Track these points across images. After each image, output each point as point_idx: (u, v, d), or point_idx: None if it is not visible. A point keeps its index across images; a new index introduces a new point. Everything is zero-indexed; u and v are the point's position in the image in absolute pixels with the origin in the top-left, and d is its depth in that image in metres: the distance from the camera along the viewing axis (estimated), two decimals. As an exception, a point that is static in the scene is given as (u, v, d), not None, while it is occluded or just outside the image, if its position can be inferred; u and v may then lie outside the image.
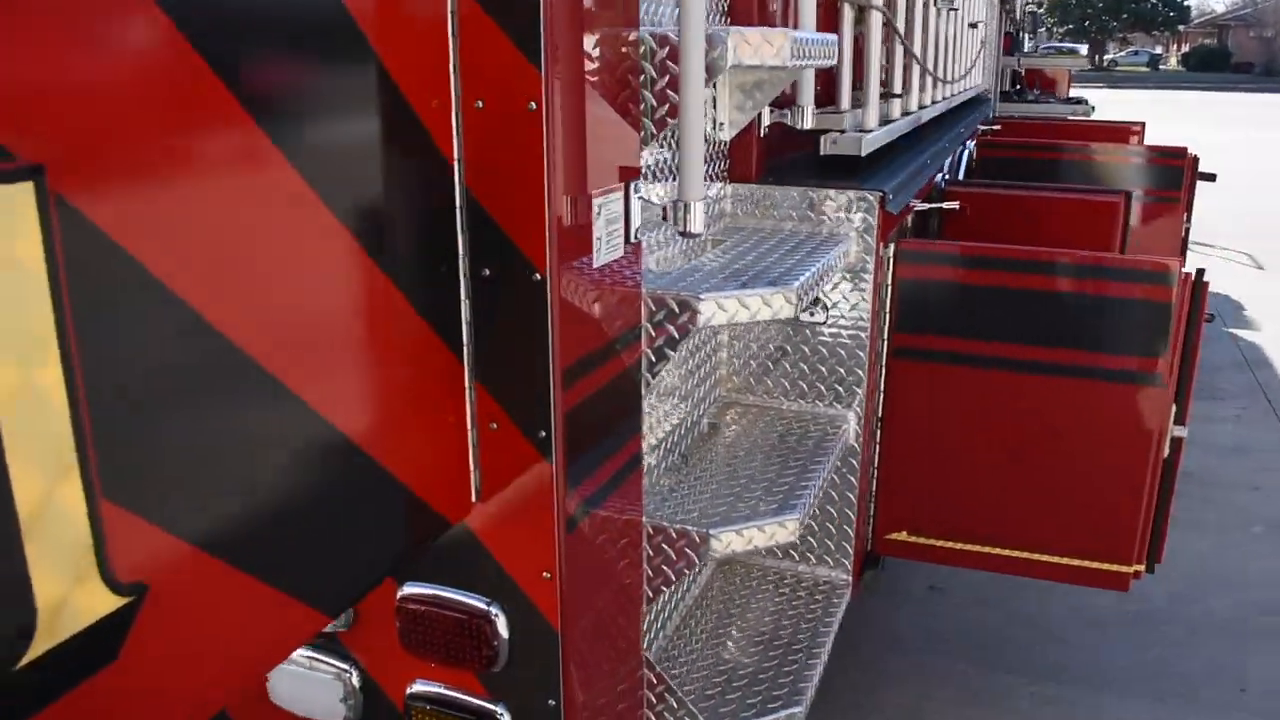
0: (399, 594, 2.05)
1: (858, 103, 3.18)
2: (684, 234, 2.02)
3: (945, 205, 3.99)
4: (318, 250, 1.43)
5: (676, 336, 2.14)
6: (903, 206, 2.88)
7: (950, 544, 3.03)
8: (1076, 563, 2.93)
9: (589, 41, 1.75)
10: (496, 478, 1.89)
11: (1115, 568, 2.89)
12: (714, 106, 2.65)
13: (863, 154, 2.78)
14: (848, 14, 2.94)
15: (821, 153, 2.83)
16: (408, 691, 2.10)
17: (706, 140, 2.65)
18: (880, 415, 2.99)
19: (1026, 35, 11.53)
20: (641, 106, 2.02)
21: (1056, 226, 3.96)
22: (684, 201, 1.98)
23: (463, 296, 1.79)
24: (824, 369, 2.86)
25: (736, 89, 2.65)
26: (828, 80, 3.04)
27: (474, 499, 1.89)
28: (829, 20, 2.95)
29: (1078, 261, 2.76)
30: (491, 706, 2.03)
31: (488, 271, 1.78)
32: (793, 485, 2.44)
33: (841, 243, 2.65)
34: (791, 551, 3.03)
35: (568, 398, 1.83)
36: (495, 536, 1.96)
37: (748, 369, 2.95)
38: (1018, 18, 9.80)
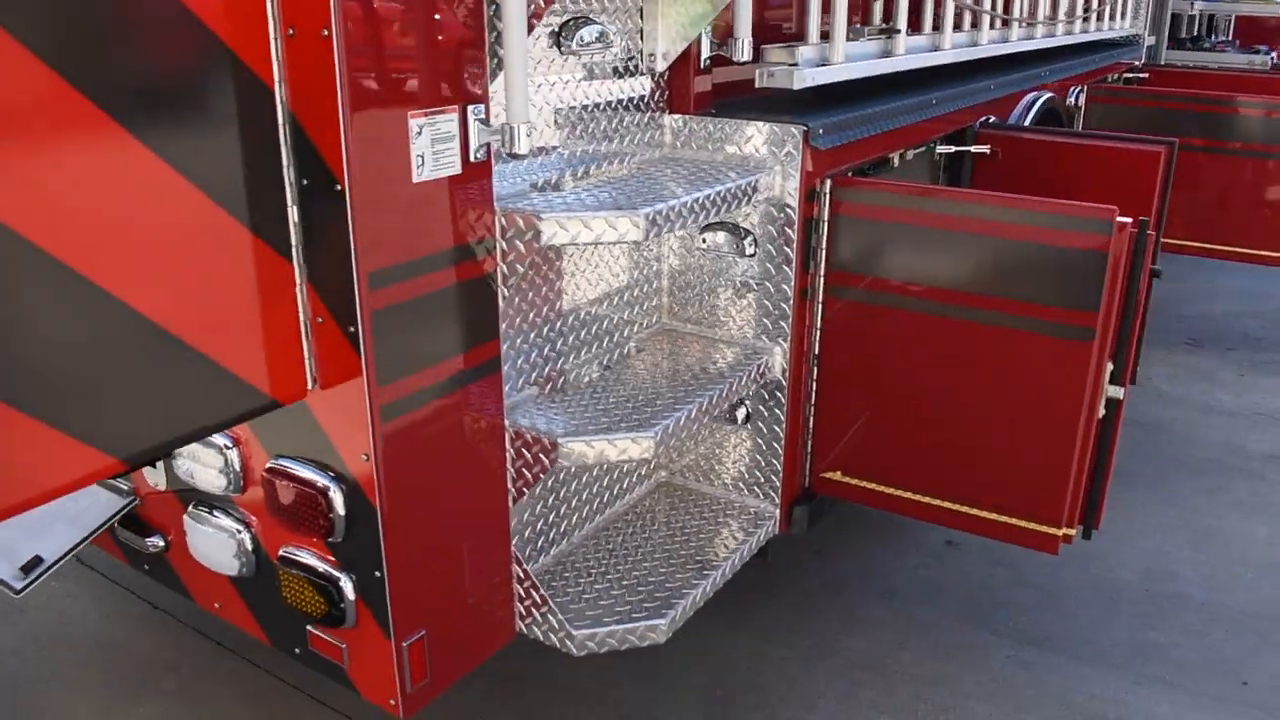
0: (265, 465, 2.33)
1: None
2: (512, 155, 2.14)
3: (974, 149, 3.83)
4: (128, 175, 1.68)
5: (524, 253, 2.27)
6: (844, 143, 2.84)
7: (884, 488, 3.00)
8: (1006, 519, 2.85)
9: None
10: (329, 367, 2.11)
11: (1044, 529, 2.79)
12: (647, 37, 2.73)
13: (794, 88, 2.75)
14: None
15: (756, 85, 2.83)
16: (279, 553, 2.39)
17: (647, 71, 2.74)
18: (817, 352, 2.99)
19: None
20: (490, 35, 2.15)
21: (1092, 176, 3.72)
22: (509, 124, 2.10)
23: (289, 205, 2.01)
24: (752, 301, 2.90)
25: (673, 15, 2.71)
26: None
27: (310, 385, 2.12)
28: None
29: (1012, 205, 2.65)
30: (337, 574, 2.28)
31: (306, 182, 1.99)
32: (665, 408, 2.53)
33: (752, 174, 2.67)
34: (725, 481, 3.11)
35: (375, 298, 2.02)
36: (328, 419, 2.19)
37: (686, 298, 3.03)
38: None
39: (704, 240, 2.90)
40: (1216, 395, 5.77)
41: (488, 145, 2.15)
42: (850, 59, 3.09)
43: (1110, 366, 2.65)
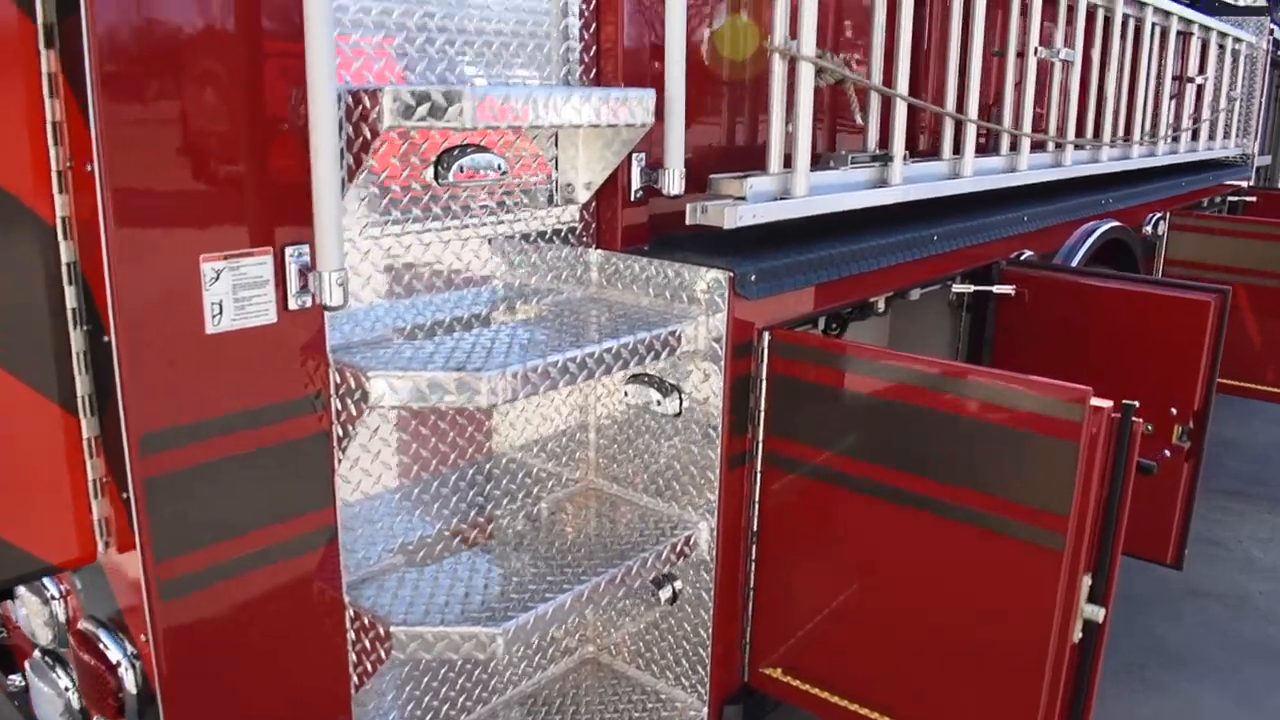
0: (78, 624, 2.08)
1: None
2: (325, 307, 1.87)
3: (997, 289, 3.38)
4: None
5: (354, 413, 1.97)
6: (786, 291, 2.46)
7: (828, 696, 2.53)
8: (966, 752, 2.34)
9: (164, 105, 1.67)
10: (117, 532, 1.87)
11: (1010, 772, 2.27)
12: (562, 166, 2.46)
13: (725, 227, 2.40)
14: (777, 66, 2.57)
15: (687, 222, 2.49)
16: (93, 720, 2.12)
17: (570, 201, 2.46)
18: (755, 529, 2.57)
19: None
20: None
21: (1131, 327, 3.21)
22: (317, 271, 1.83)
23: (75, 355, 1.80)
24: (679, 466, 2.52)
25: (593, 142, 2.43)
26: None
27: (102, 548, 1.88)
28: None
29: (965, 377, 2.21)
30: (136, 763, 1.99)
31: (88, 328, 1.77)
32: (538, 594, 2.16)
33: (674, 324, 2.32)
34: (655, 667, 2.69)
35: (149, 464, 1.76)
36: (120, 589, 1.94)
37: (614, 454, 2.67)
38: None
39: (626, 393, 2.55)
40: (1322, 569, 4.98)
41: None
42: (825, 189, 2.74)
43: (1088, 581, 2.15)
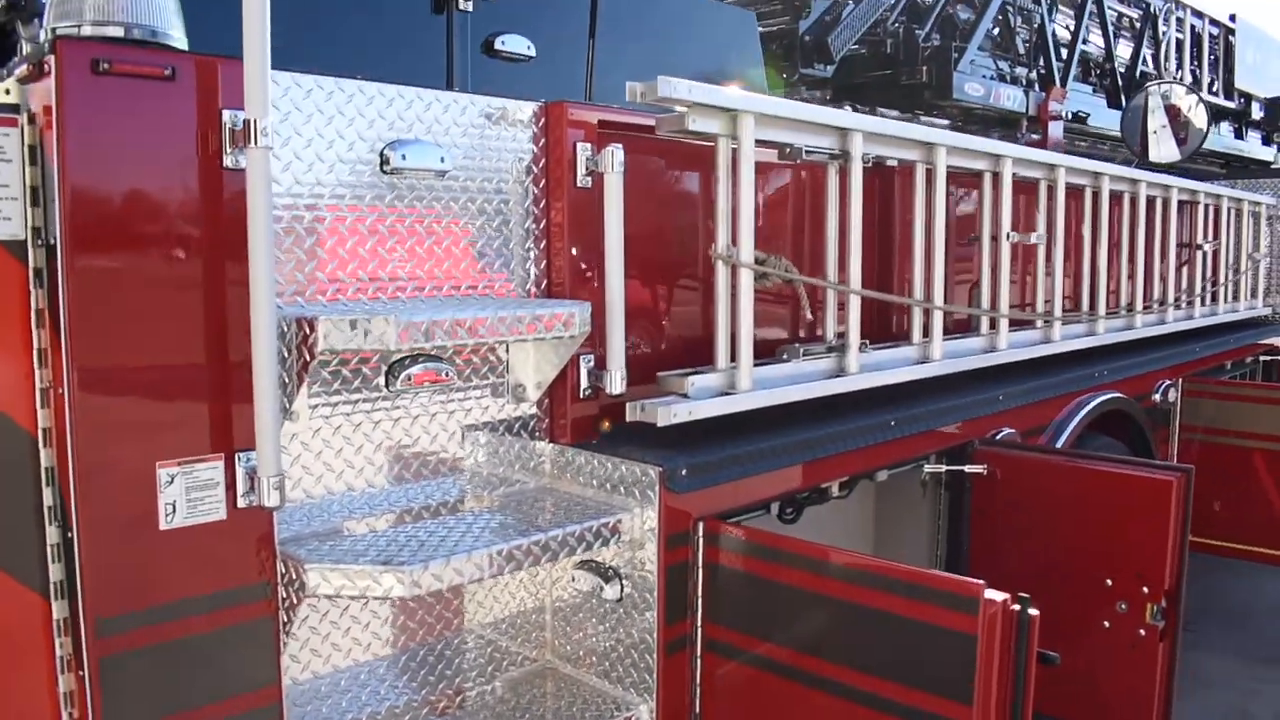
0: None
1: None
2: (263, 508, 2.10)
3: (969, 469, 3.46)
4: None
5: (296, 600, 2.18)
6: (719, 483, 2.62)
7: None
8: None
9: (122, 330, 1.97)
10: (80, 705, 2.08)
11: None
12: (513, 368, 2.71)
13: (659, 424, 2.59)
14: (721, 271, 2.80)
15: (627, 419, 2.68)
16: None
17: (522, 399, 2.70)
18: (699, 712, 2.65)
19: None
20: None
21: (1099, 505, 3.25)
22: (261, 475, 2.07)
23: (48, 546, 2.07)
24: (621, 650, 2.64)
25: (542, 351, 2.68)
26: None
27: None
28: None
29: (869, 569, 2.31)
30: None
31: (60, 524, 2.05)
32: (466, 778, 2.28)
33: (613, 514, 2.49)
34: None
35: (103, 645, 1.98)
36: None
37: (569, 635, 2.80)
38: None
39: (574, 577, 2.70)
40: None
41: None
42: (775, 382, 2.91)
43: (1001, 773, 2.18)
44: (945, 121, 5.82)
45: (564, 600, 2.80)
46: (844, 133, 3.06)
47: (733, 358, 2.83)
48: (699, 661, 2.64)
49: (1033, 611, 2.15)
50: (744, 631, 2.55)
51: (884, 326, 3.66)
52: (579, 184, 2.66)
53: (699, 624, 2.62)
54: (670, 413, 2.60)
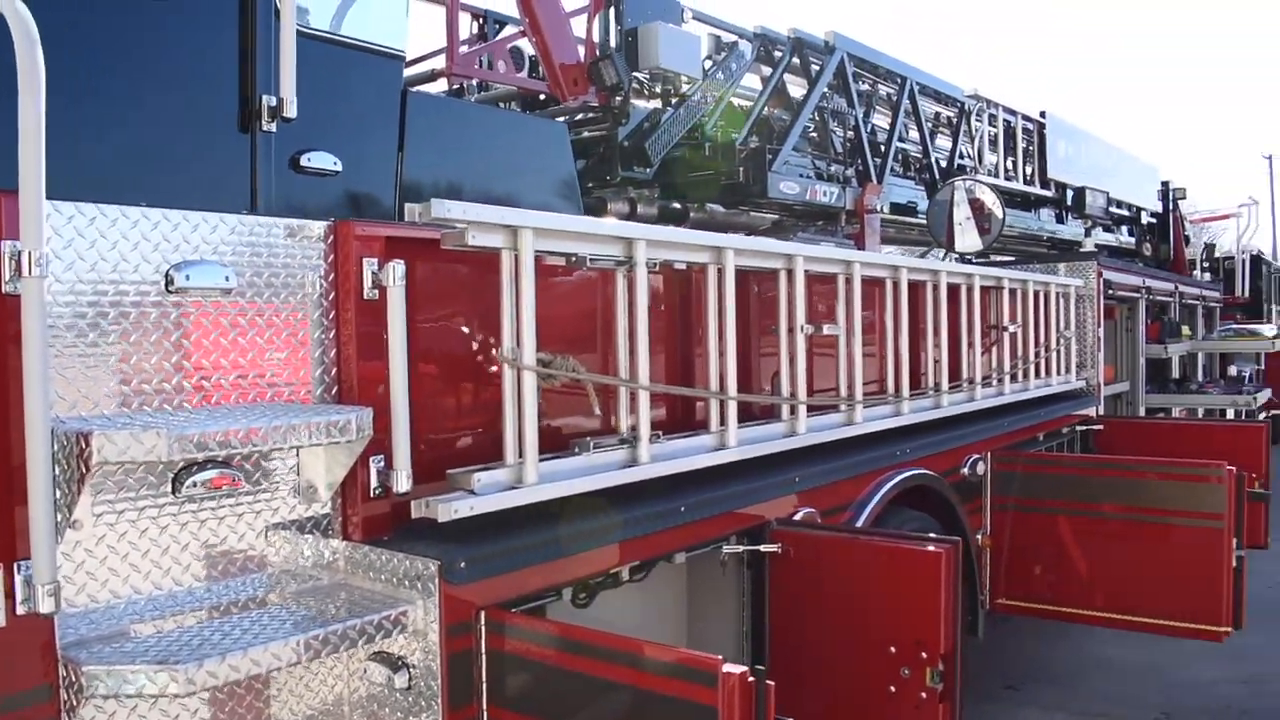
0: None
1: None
2: (39, 615, 2.19)
3: (764, 549, 3.70)
4: None
5: (75, 704, 2.26)
6: (501, 574, 2.79)
7: None
8: None
9: None
10: None
11: None
12: (303, 470, 2.84)
13: (439, 520, 2.76)
14: (506, 372, 3.00)
15: (412, 516, 2.85)
16: None
17: (314, 500, 2.83)
18: (488, 796, 2.78)
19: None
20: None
21: (879, 577, 3.51)
22: (36, 582, 2.17)
23: None
24: (411, 739, 2.76)
25: (331, 453, 2.82)
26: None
27: None
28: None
29: (617, 647, 2.50)
30: None
31: None
32: None
33: (393, 607, 2.64)
34: None
35: None
36: None
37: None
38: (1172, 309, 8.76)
39: (365, 670, 2.82)
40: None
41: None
42: (564, 475, 3.11)
43: (750, 838, 2.35)
44: (773, 215, 6.22)
45: (363, 693, 2.91)
46: (628, 241, 3.33)
47: (522, 454, 3.02)
48: (485, 746, 2.77)
49: (769, 683, 2.35)
50: (525, 714, 2.69)
51: (688, 416, 3.90)
52: (366, 296, 2.85)
53: (484, 709, 2.75)
54: (451, 509, 2.77)
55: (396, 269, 2.78)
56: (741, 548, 3.71)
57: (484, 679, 2.75)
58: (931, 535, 3.49)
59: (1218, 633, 4.83)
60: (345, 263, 2.86)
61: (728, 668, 2.34)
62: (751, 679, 2.37)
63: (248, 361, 2.74)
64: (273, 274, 2.78)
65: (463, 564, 2.70)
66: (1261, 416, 8.38)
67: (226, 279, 2.67)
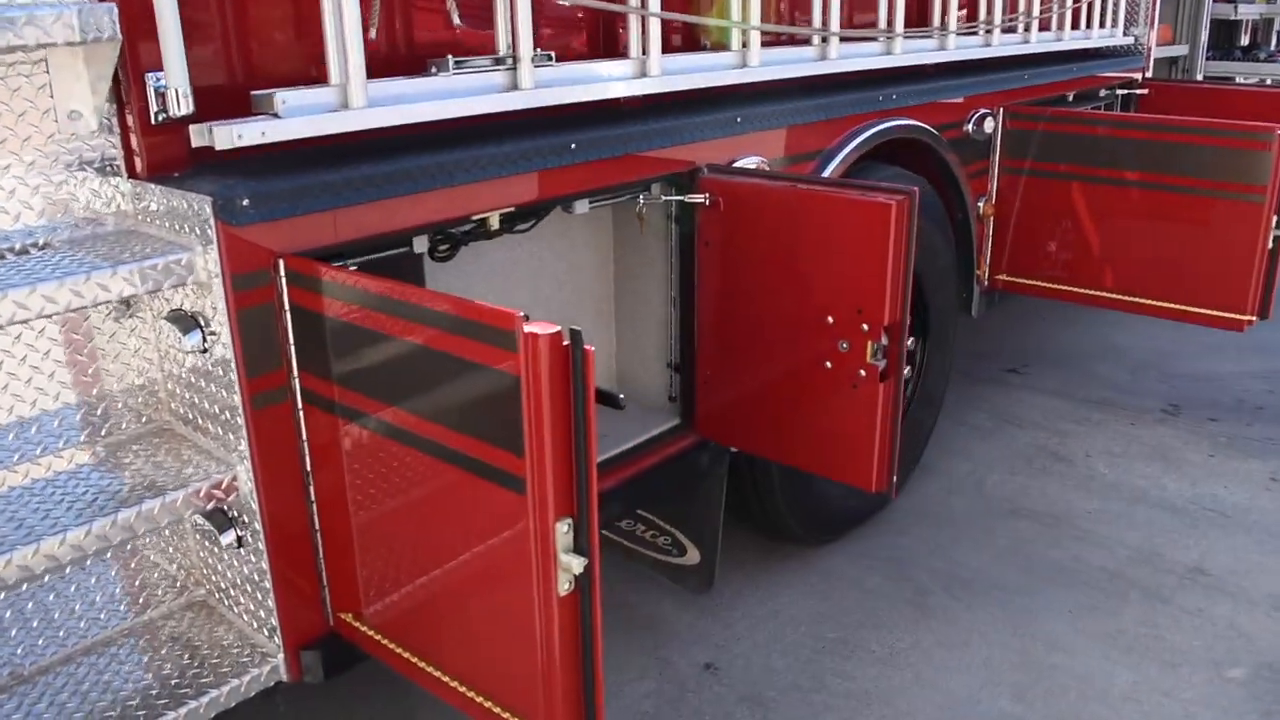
0: None
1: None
2: None
3: (689, 199, 3.10)
4: None
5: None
6: (303, 214, 2.24)
7: (395, 647, 2.39)
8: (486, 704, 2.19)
9: None
10: None
11: (527, 723, 2.12)
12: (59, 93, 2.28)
13: (218, 147, 2.17)
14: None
15: (192, 145, 2.27)
16: None
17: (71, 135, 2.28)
18: (310, 469, 2.40)
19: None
20: None
21: (822, 235, 2.91)
22: None
23: None
24: (212, 406, 2.36)
25: (91, 66, 2.23)
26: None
27: None
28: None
29: (411, 299, 1.99)
30: None
31: None
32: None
33: (165, 255, 2.14)
34: (242, 612, 2.57)
35: None
36: None
37: (176, 394, 2.51)
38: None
39: (160, 330, 2.38)
40: (1163, 482, 4.66)
41: None
42: (409, 98, 2.49)
43: (565, 529, 1.94)
44: None
45: (172, 359, 2.49)
46: None
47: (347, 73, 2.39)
48: (301, 416, 2.36)
49: (588, 347, 1.84)
50: (336, 380, 2.26)
51: (611, 44, 3.17)
52: None
53: (295, 375, 2.32)
54: (233, 134, 2.19)
55: None
56: (664, 198, 3.11)
57: (290, 340, 2.30)
58: (884, 184, 2.83)
59: (1240, 321, 4.20)
60: None
61: (531, 327, 1.82)
62: (566, 342, 1.86)
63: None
64: None
65: (246, 201, 2.16)
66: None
67: None
